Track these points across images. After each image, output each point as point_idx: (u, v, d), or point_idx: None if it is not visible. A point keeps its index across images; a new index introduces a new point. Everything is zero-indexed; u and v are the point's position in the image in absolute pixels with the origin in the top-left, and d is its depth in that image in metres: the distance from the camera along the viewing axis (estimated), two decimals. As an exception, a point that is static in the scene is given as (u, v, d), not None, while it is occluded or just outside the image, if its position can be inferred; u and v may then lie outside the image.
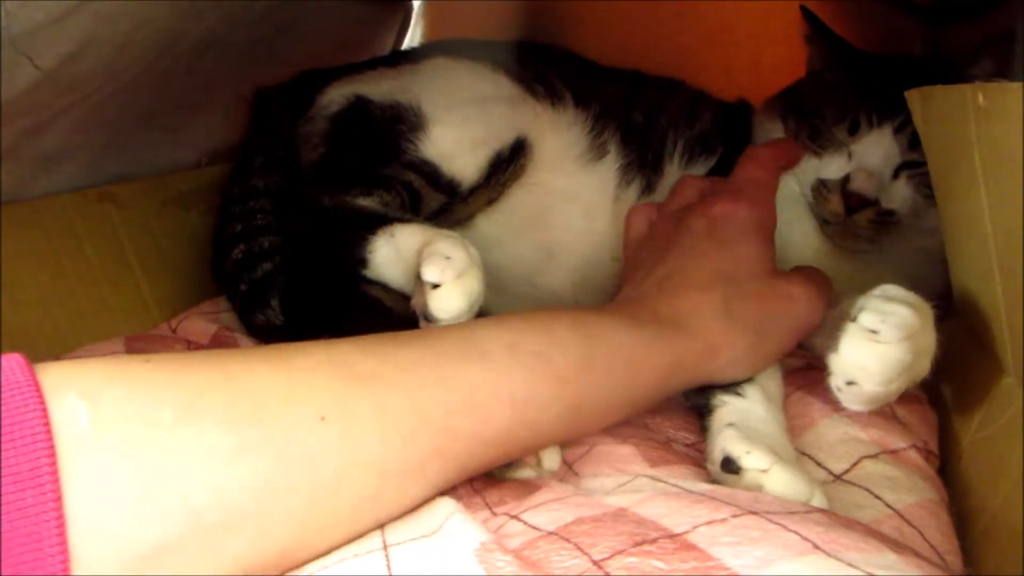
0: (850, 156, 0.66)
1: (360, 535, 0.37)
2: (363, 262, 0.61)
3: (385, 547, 0.35)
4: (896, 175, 0.64)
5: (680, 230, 0.54)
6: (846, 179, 0.64)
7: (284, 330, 0.63)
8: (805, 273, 0.53)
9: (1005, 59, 0.62)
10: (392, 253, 0.60)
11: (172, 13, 0.58)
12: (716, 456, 0.45)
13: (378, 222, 0.62)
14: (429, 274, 0.53)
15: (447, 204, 0.70)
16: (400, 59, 0.80)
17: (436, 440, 0.38)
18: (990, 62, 0.63)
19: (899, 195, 0.64)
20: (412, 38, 1.05)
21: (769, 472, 0.42)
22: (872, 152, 0.64)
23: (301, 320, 0.63)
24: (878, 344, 0.44)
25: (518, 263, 0.74)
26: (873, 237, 0.64)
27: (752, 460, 0.43)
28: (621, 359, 0.44)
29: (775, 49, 0.85)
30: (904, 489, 0.44)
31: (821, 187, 0.66)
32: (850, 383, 0.46)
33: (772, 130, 0.72)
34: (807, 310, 0.50)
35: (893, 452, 0.48)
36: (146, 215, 0.72)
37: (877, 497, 0.44)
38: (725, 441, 0.44)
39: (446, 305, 0.53)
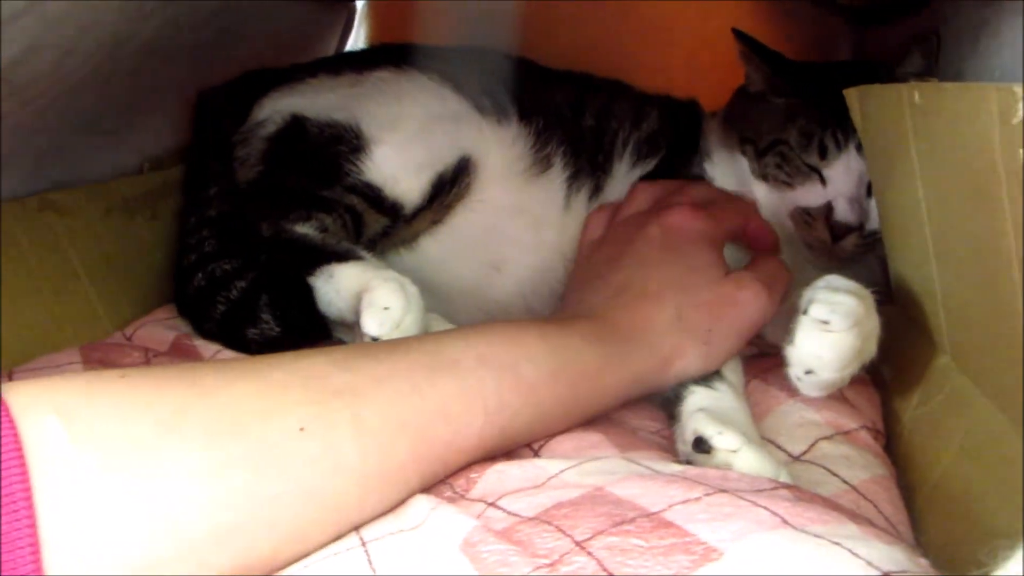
0: (824, 181, 0.67)
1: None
2: (308, 294, 0.61)
3: (363, 543, 0.36)
4: (870, 192, 0.66)
5: (636, 236, 0.56)
6: (829, 209, 0.65)
7: (280, 340, 0.63)
8: (755, 272, 0.54)
9: (933, 56, 0.65)
10: (332, 293, 0.60)
11: (119, 16, 0.57)
12: (688, 436, 0.46)
13: (316, 259, 0.61)
14: (368, 327, 0.54)
15: (390, 227, 0.70)
16: (343, 66, 0.78)
17: (415, 448, 0.39)
18: (919, 59, 0.65)
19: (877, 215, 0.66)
20: (356, 39, 1.05)
21: (739, 452, 0.44)
22: (846, 177, 0.66)
23: (298, 328, 0.63)
24: (830, 333, 0.47)
25: (466, 280, 0.74)
26: (858, 257, 0.66)
27: (723, 440, 0.45)
28: (585, 372, 0.46)
29: (713, 48, 0.87)
30: (858, 466, 0.47)
31: (804, 215, 0.67)
32: (808, 372, 0.49)
33: (737, 168, 0.72)
34: (754, 311, 0.52)
35: (846, 433, 0.50)
36: (90, 222, 0.70)
37: (834, 474, 0.46)
38: (698, 423, 0.46)
39: None
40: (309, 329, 0.64)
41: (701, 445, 0.45)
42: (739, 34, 0.73)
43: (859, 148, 0.65)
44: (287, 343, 0.63)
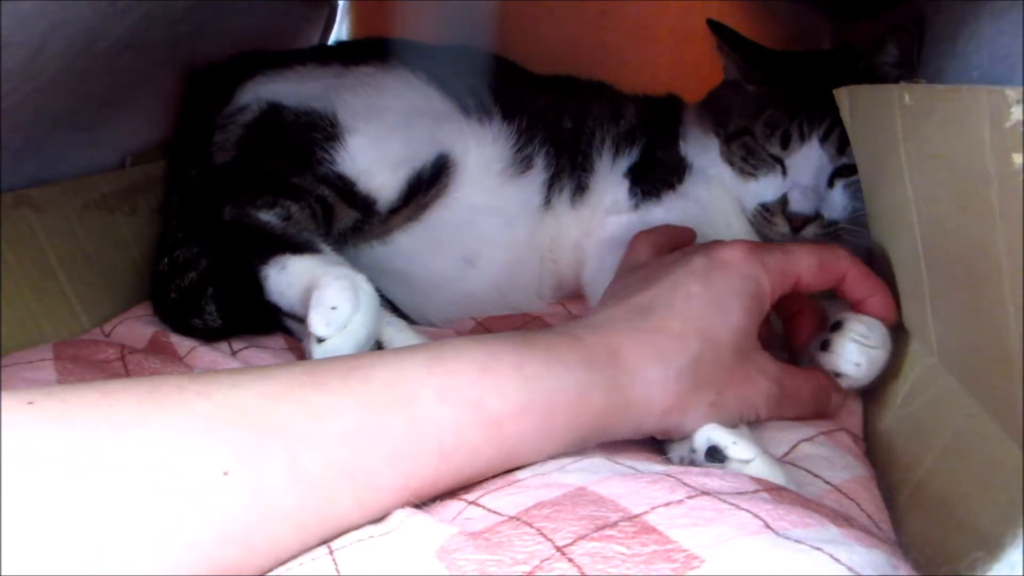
0: (784, 172, 0.68)
1: None
2: (257, 287, 0.60)
3: (331, 552, 0.35)
4: (831, 183, 0.67)
5: (677, 263, 0.49)
6: (785, 200, 0.67)
7: (223, 331, 0.63)
8: (785, 370, 0.50)
9: (909, 47, 0.65)
10: (283, 284, 0.58)
11: (91, 13, 0.56)
12: (699, 444, 0.45)
13: (273, 248, 0.60)
14: (314, 327, 0.52)
15: (361, 221, 0.69)
16: (333, 56, 0.78)
17: (358, 494, 0.36)
18: (896, 49, 0.66)
19: (838, 204, 0.67)
20: (338, 36, 1.04)
21: (751, 464, 0.44)
22: (805, 167, 0.67)
23: (239, 321, 0.63)
24: (870, 349, 0.52)
25: (439, 273, 0.73)
26: None
27: (737, 451, 0.44)
28: (563, 403, 0.41)
29: (696, 45, 0.88)
30: (839, 467, 0.47)
31: (764, 211, 0.69)
32: (838, 375, 0.53)
33: (708, 146, 0.75)
34: (764, 405, 0.48)
35: (827, 433, 0.50)
36: (67, 219, 0.69)
37: (816, 476, 0.46)
38: (711, 431, 0.45)
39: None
40: (252, 324, 0.64)
41: (715, 455, 0.45)
42: (713, 25, 0.75)
43: (823, 140, 0.67)
44: (229, 334, 0.63)
